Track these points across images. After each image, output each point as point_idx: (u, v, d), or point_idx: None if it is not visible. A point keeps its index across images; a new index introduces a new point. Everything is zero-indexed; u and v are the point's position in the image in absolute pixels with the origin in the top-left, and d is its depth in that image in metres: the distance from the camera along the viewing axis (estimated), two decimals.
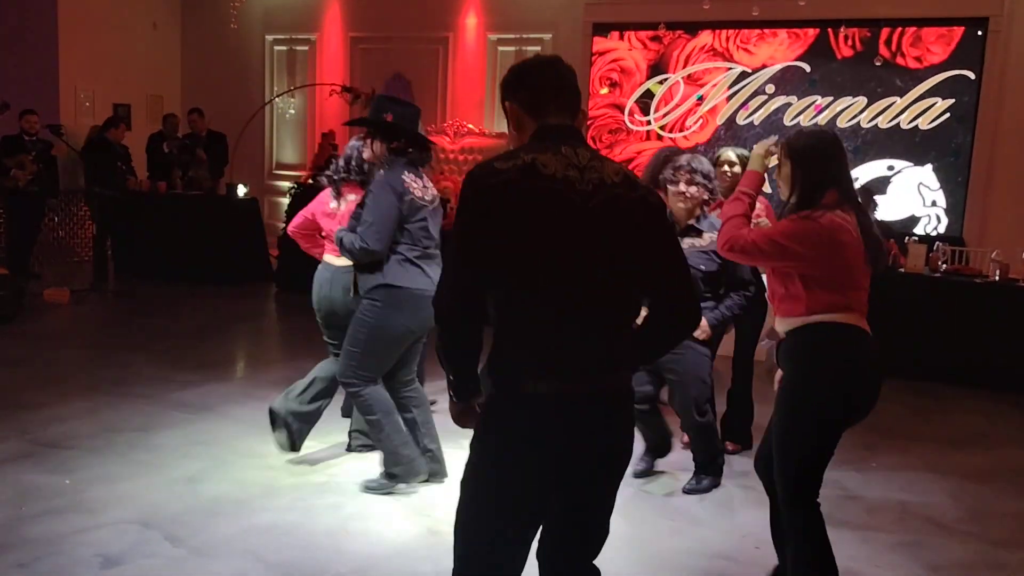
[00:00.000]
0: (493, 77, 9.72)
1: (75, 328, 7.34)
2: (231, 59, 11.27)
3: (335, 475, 4.12)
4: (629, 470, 2.32)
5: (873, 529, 3.84)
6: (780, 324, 2.88)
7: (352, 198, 4.05)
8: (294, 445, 4.17)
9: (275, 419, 4.16)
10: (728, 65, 8.97)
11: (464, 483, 2.03)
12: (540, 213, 1.90)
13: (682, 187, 3.93)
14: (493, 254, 1.90)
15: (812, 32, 8.61)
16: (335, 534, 3.51)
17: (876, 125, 8.44)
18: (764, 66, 8.83)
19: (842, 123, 8.46)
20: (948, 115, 8.20)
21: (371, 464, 4.08)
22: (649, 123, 9.36)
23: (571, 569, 2.11)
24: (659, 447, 4.32)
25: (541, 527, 2.08)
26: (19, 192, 8.88)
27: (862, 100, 8.46)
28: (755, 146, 3.08)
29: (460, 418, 2.10)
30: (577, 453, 1.96)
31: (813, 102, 8.62)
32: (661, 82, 9.25)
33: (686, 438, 4.46)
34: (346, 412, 4.60)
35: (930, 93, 8.23)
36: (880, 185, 8.33)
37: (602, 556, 2.11)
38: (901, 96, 8.32)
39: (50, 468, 4.03)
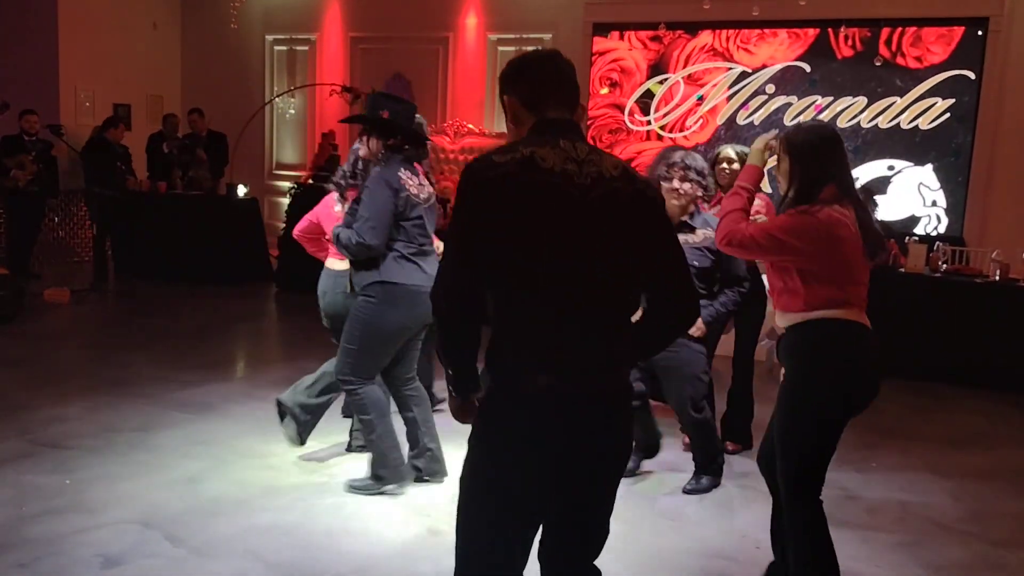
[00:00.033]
0: (493, 77, 9.72)
1: (75, 328, 7.34)
2: (231, 59, 11.27)
3: (335, 475, 4.12)
4: None
5: (873, 529, 3.83)
6: (780, 319, 2.88)
7: None
8: (302, 438, 4.20)
9: (283, 412, 4.20)
10: (728, 65, 8.97)
11: (463, 481, 2.02)
12: (538, 206, 1.89)
13: (675, 184, 3.93)
14: (491, 247, 1.89)
15: (812, 32, 8.62)
16: (335, 534, 3.51)
17: (876, 125, 8.44)
18: (764, 66, 8.84)
19: (842, 123, 8.46)
20: (948, 115, 8.21)
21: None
22: (649, 123, 9.36)
23: (572, 570, 2.10)
24: (649, 447, 4.31)
25: (542, 528, 2.08)
26: (19, 192, 8.88)
27: (862, 100, 8.46)
28: (755, 140, 3.09)
29: (459, 413, 2.09)
30: (576, 452, 1.95)
31: (813, 102, 8.62)
32: (661, 82, 9.25)
33: (687, 439, 4.46)
34: (347, 412, 4.60)
35: (930, 93, 8.23)
36: (880, 185, 8.33)
37: (602, 556, 2.10)
38: (901, 96, 8.33)
39: (50, 468, 4.03)
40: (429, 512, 3.74)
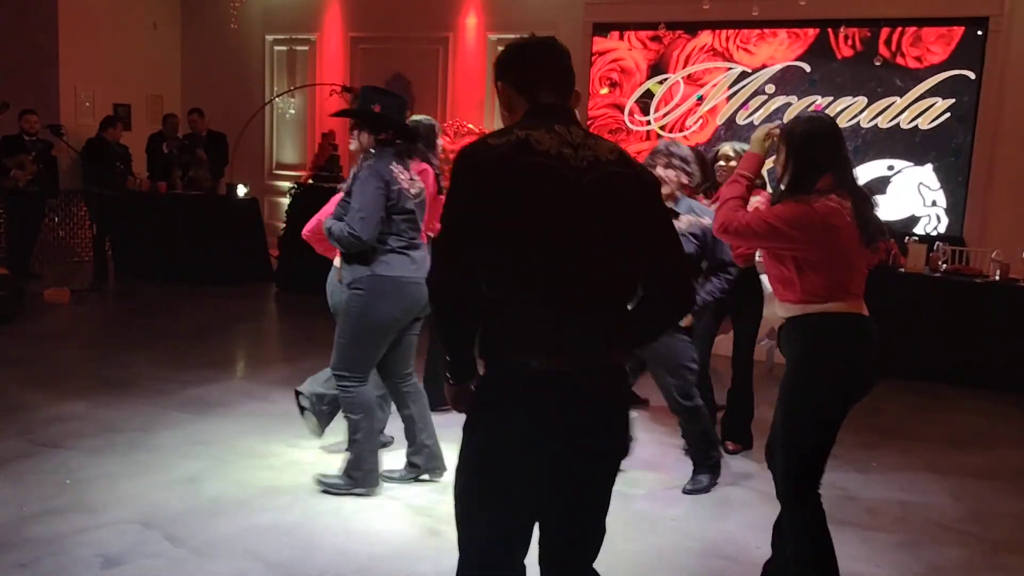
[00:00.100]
0: (493, 77, 9.71)
1: (75, 328, 7.33)
2: (231, 59, 11.26)
3: None
4: None
5: (873, 529, 3.83)
6: (779, 308, 2.89)
7: None
8: (322, 429, 4.26)
9: (302, 404, 4.24)
10: (728, 65, 8.97)
11: (459, 476, 2.02)
12: (534, 189, 1.88)
13: (659, 171, 3.93)
14: (486, 230, 1.87)
15: (812, 32, 8.61)
16: (335, 534, 3.51)
17: (876, 125, 8.44)
18: (764, 66, 8.83)
19: (842, 123, 8.45)
20: (948, 115, 8.20)
21: None
22: (649, 123, 9.35)
23: (574, 571, 2.10)
24: None
25: (541, 531, 2.07)
26: (19, 192, 8.88)
27: (862, 100, 8.46)
28: (757, 129, 3.10)
29: (456, 400, 2.07)
30: (577, 452, 1.94)
31: (813, 102, 8.61)
32: (661, 82, 9.25)
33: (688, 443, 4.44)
34: None
35: (930, 93, 8.23)
36: (880, 185, 8.32)
37: (601, 557, 2.10)
38: (901, 96, 8.32)
39: (50, 468, 4.03)
40: (429, 512, 3.74)
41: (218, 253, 9.17)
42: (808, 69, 8.66)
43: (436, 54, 10.26)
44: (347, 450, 3.91)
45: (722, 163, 4.53)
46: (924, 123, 8.28)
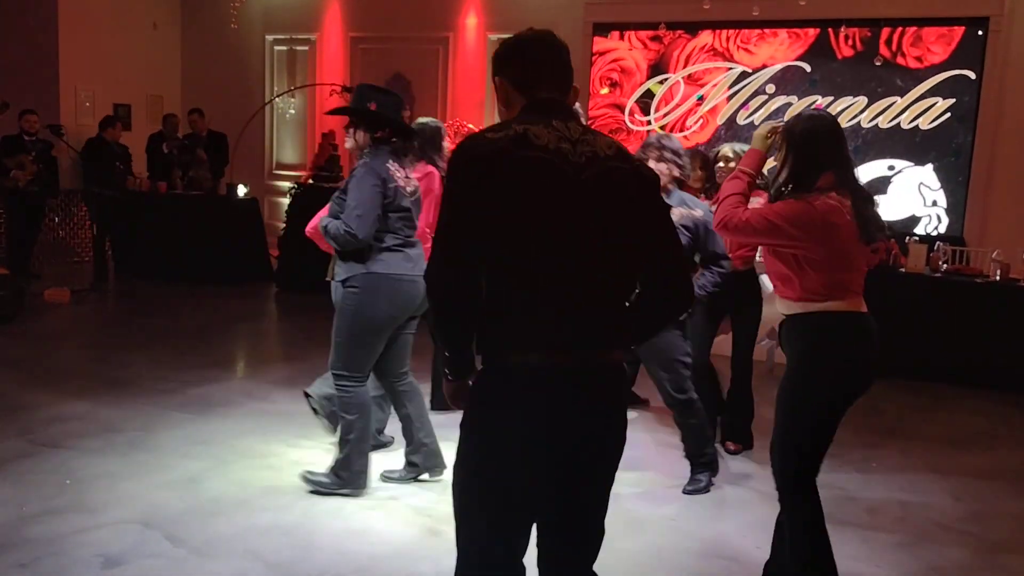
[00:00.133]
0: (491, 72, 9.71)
1: (75, 328, 7.34)
2: (231, 59, 11.26)
3: None
4: None
5: (874, 529, 3.83)
6: (780, 305, 2.89)
7: None
8: (334, 428, 4.24)
9: (313, 406, 4.26)
10: (728, 65, 8.97)
11: (456, 475, 2.01)
12: (532, 183, 1.87)
13: (651, 164, 3.93)
14: (484, 224, 1.86)
15: (812, 32, 8.61)
16: (335, 534, 3.51)
17: (876, 125, 8.43)
18: (764, 66, 8.83)
19: (842, 123, 8.28)
20: (948, 115, 8.20)
21: (373, 465, 4.07)
22: (649, 123, 9.35)
23: (573, 572, 2.09)
24: None
25: (540, 533, 2.07)
26: (19, 192, 8.87)
27: (862, 100, 8.46)
28: (759, 126, 3.10)
29: (454, 397, 2.07)
30: (577, 453, 1.94)
31: (813, 102, 8.60)
32: (661, 82, 9.25)
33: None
34: None
35: (930, 93, 8.23)
36: (881, 185, 8.33)
37: (601, 557, 2.10)
38: (901, 96, 8.32)
39: (50, 468, 4.03)
40: (429, 512, 3.74)
41: (218, 253, 9.17)
42: (808, 69, 8.66)
43: (436, 54, 10.26)
44: (338, 449, 3.90)
45: (722, 164, 4.53)
46: (924, 123, 8.28)
